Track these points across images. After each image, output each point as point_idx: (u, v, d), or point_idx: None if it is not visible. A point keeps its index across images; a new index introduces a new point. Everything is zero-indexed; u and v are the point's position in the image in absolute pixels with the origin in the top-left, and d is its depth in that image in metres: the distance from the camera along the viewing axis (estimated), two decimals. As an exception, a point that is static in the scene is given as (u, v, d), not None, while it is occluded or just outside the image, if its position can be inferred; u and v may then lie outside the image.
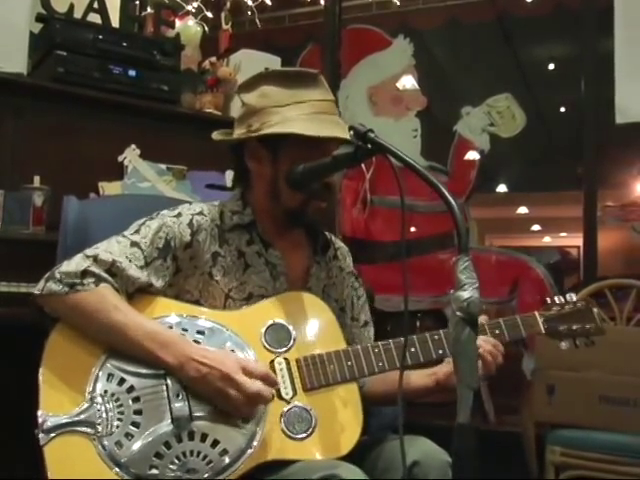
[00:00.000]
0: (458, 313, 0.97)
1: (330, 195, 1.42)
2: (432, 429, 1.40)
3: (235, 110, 2.60)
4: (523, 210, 7.99)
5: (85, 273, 1.29)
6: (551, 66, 4.46)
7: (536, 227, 8.69)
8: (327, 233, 1.58)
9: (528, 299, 3.18)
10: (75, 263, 1.31)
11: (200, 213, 1.43)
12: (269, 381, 1.27)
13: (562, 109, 5.00)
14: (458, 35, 3.75)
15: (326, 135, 1.34)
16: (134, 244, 1.35)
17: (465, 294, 0.97)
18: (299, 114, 1.37)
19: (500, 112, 3.25)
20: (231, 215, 1.45)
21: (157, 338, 1.26)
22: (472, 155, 3.41)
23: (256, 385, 1.24)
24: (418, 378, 1.47)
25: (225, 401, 1.24)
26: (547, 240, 8.89)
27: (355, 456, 1.27)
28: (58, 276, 1.29)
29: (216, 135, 1.49)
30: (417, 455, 1.29)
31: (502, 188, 6.27)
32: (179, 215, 1.41)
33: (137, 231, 1.38)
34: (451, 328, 0.98)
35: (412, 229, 3.48)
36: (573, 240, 7.36)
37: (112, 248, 1.33)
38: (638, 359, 2.34)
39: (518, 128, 3.24)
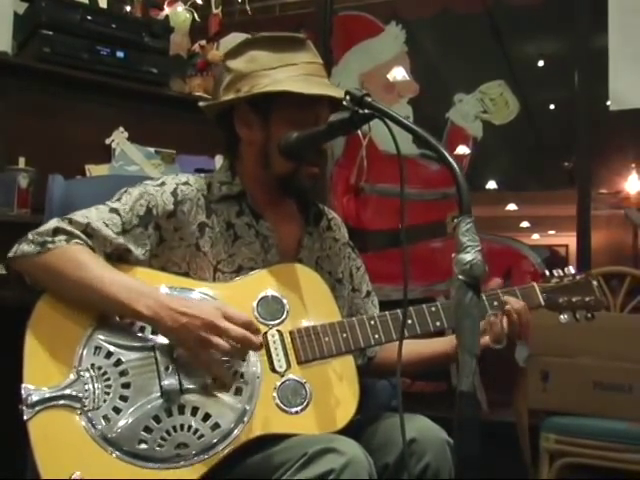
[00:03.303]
0: (460, 276, 0.94)
1: (322, 160, 1.39)
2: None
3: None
4: (512, 207, 7.99)
5: (57, 231, 1.25)
6: (541, 63, 4.45)
7: (525, 224, 8.69)
8: (319, 204, 1.54)
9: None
10: (48, 224, 1.28)
11: (185, 183, 1.39)
12: (251, 329, 1.21)
13: (552, 106, 4.99)
14: (450, 25, 3.72)
15: (319, 93, 1.31)
16: (113, 210, 1.31)
17: (467, 257, 0.94)
18: (289, 75, 1.35)
19: (493, 99, 3.21)
20: (220, 186, 1.41)
21: (132, 289, 1.21)
22: (463, 149, 3.38)
23: (241, 329, 1.18)
24: (440, 345, 1.45)
25: (209, 350, 1.18)
26: (536, 237, 8.90)
27: (350, 433, 1.23)
28: (30, 237, 1.27)
29: (203, 102, 1.45)
30: (414, 432, 1.25)
31: (492, 185, 6.26)
32: (163, 184, 1.37)
33: (118, 199, 1.35)
34: (453, 292, 0.95)
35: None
36: (562, 239, 7.37)
37: (89, 213, 1.30)
38: (632, 345, 2.33)
39: (511, 115, 3.20)
